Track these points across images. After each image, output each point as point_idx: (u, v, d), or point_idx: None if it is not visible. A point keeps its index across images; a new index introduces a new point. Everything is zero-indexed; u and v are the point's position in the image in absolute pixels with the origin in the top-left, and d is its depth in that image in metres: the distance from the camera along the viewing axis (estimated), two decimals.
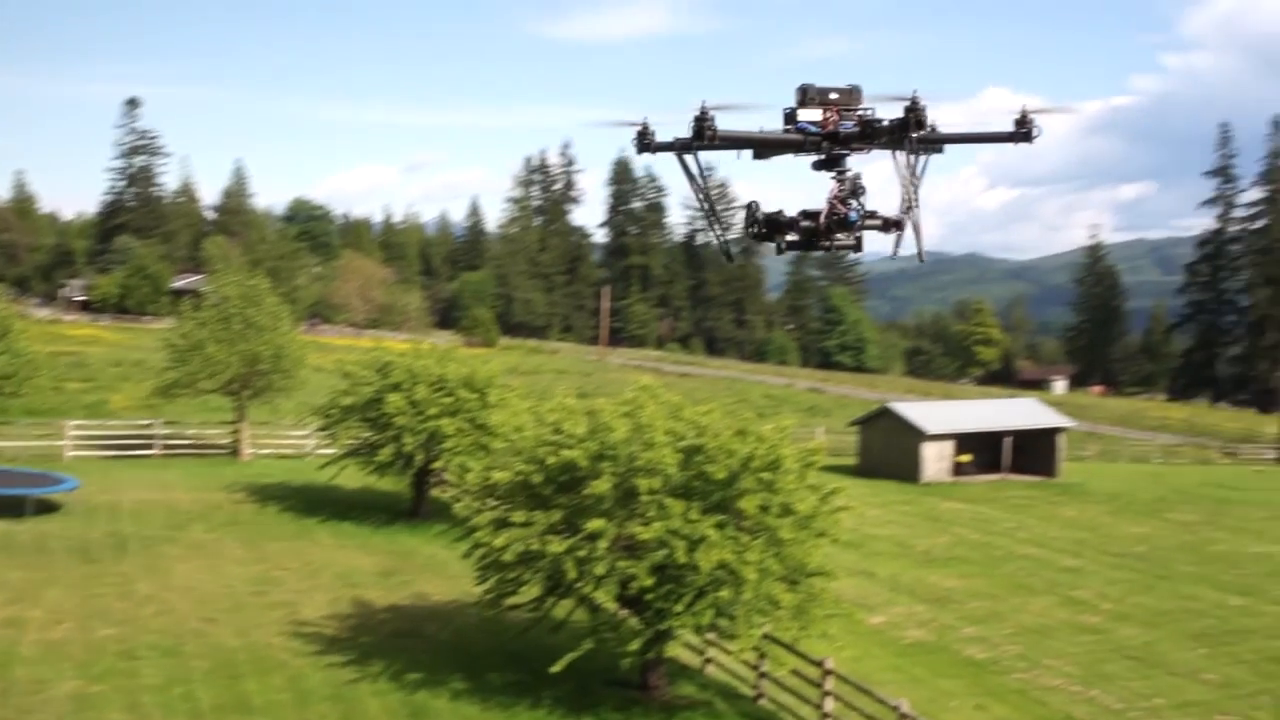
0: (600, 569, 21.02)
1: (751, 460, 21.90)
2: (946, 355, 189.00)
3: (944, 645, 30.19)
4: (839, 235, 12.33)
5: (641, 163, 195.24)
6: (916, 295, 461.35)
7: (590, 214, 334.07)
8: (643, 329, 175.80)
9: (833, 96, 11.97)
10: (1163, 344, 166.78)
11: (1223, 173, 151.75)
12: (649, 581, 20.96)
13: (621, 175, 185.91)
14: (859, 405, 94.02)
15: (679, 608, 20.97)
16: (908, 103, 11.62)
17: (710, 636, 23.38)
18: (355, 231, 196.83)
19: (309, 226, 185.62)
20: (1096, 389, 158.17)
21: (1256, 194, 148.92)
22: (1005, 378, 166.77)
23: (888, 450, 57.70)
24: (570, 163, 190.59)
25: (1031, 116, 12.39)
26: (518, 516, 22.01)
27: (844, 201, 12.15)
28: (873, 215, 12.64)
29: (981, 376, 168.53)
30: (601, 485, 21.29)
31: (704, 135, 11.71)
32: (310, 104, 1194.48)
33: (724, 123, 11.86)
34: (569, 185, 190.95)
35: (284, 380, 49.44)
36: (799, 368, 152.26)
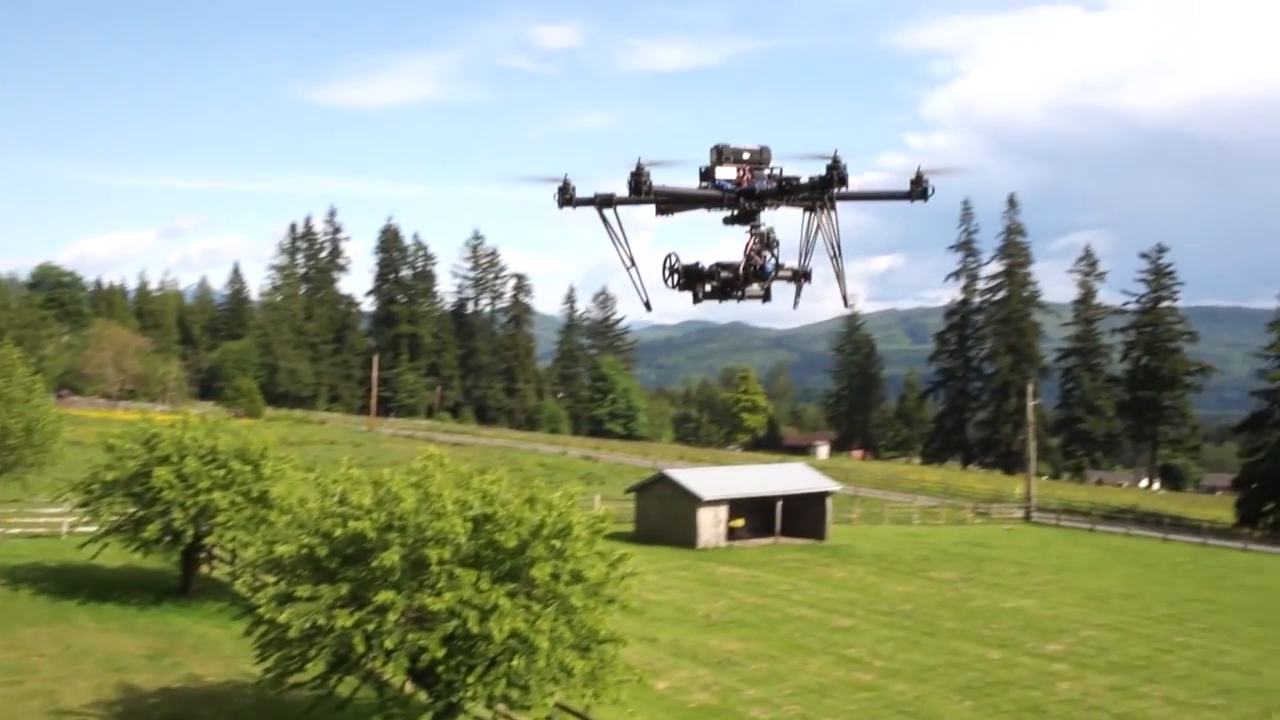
0: (390, 642, 20.53)
1: (542, 528, 21.85)
2: (714, 422, 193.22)
3: (728, 708, 30.59)
4: (753, 285, 12.92)
5: (410, 230, 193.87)
6: (683, 364, 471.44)
7: (358, 282, 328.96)
8: (412, 398, 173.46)
9: (745, 156, 12.41)
10: (917, 409, 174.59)
11: (966, 247, 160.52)
12: (440, 653, 20.59)
13: (390, 243, 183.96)
14: (632, 472, 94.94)
15: (471, 679, 20.66)
16: (829, 161, 11.98)
17: (502, 708, 23.06)
18: (108, 299, 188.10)
19: (56, 293, 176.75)
20: (857, 453, 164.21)
21: (996, 267, 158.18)
22: (771, 443, 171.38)
23: (664, 516, 58.42)
24: (337, 229, 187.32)
25: (926, 176, 12.81)
26: (303, 591, 21.32)
27: (759, 253, 12.59)
28: (782, 266, 13.18)
29: (748, 443, 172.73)
30: (391, 556, 20.85)
31: (640, 190, 11.97)
32: (52, 165, 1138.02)
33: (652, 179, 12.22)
34: (335, 252, 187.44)
35: (36, 455, 46.59)
36: (571, 436, 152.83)
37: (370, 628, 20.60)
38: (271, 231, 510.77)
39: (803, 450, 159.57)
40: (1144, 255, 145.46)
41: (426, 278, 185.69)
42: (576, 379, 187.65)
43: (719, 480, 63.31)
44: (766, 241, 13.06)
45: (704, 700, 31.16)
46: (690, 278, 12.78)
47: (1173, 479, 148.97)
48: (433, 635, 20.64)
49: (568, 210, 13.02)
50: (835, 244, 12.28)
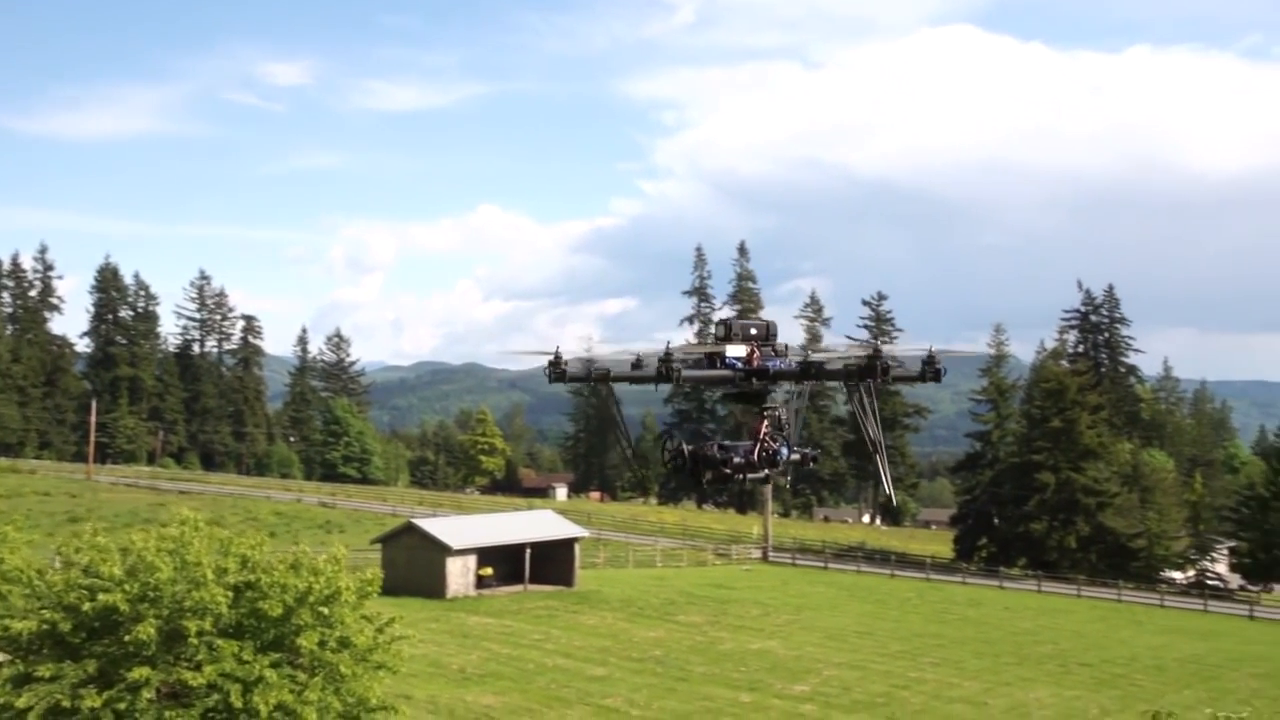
0: None
1: (309, 594, 21.07)
2: (451, 464, 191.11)
3: None
4: (763, 471, 11.81)
5: (131, 268, 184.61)
6: (418, 405, 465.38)
7: (72, 322, 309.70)
8: (132, 444, 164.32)
9: (753, 331, 11.51)
10: (654, 450, 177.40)
11: (699, 292, 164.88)
12: None
13: (108, 281, 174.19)
14: (372, 519, 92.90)
15: None
16: (869, 351, 11.04)
17: None
18: None
19: None
20: (595, 495, 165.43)
21: (728, 312, 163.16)
22: (509, 486, 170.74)
23: (412, 567, 57.18)
24: (49, 267, 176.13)
25: (938, 358, 11.49)
26: (44, 670, 19.82)
27: (773, 439, 11.62)
28: (795, 450, 12.00)
29: (486, 485, 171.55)
30: (146, 629, 19.66)
31: (670, 378, 10.90)
32: None
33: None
34: (47, 291, 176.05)
35: None
36: (305, 481, 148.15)
37: (121, 707, 19.36)
38: None
39: (541, 492, 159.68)
40: (866, 302, 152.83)
41: (148, 318, 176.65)
42: (309, 422, 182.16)
43: (467, 529, 62.61)
44: (779, 424, 12.09)
45: None
46: (702, 464, 11.51)
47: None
48: (191, 712, 19.58)
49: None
50: (874, 436, 11.24)
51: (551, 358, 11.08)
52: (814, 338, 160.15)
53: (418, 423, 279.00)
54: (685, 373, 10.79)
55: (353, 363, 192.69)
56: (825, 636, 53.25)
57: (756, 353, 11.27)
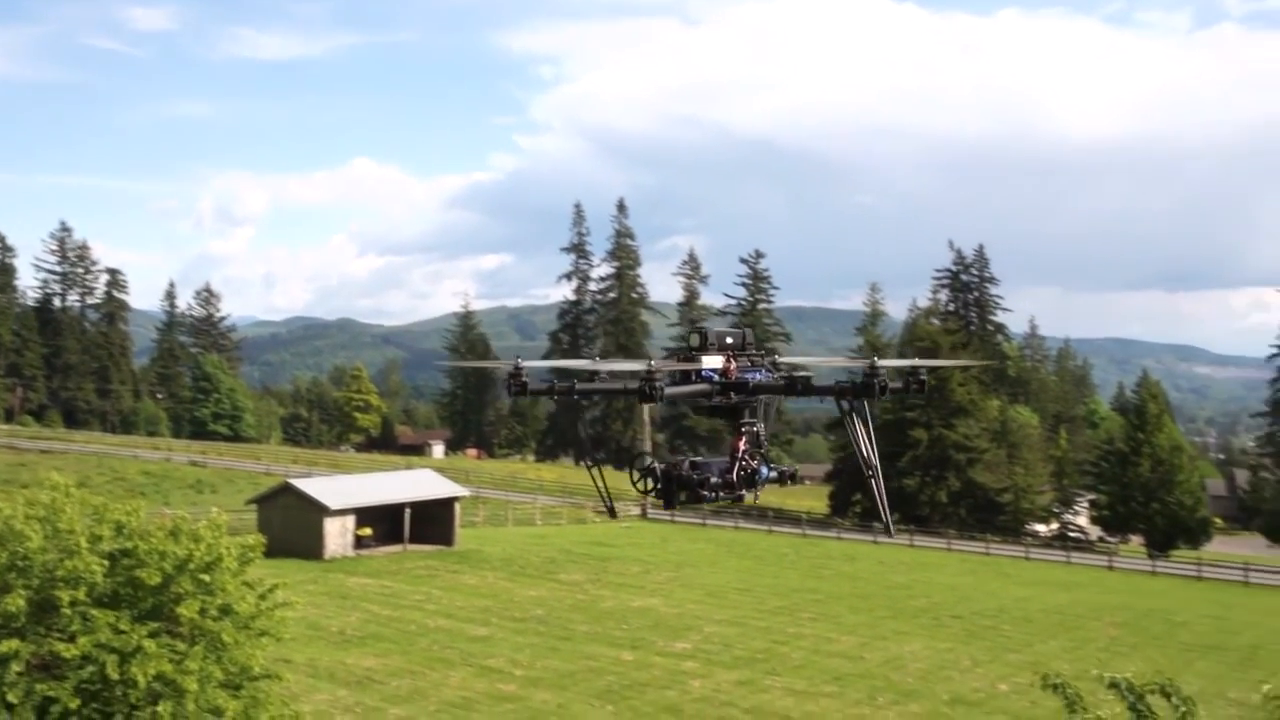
0: (14, 695, 18.59)
1: (189, 561, 20.47)
2: (325, 422, 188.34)
3: None
4: (740, 491, 10.87)
5: None
6: (290, 361, 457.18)
7: None
8: None
9: (729, 340, 10.39)
10: (531, 407, 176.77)
11: (577, 249, 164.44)
12: (74, 704, 18.82)
13: None
14: (245, 478, 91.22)
15: None
16: (866, 369, 9.90)
17: None
18: None
19: None
20: (472, 452, 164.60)
21: (607, 269, 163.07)
22: (385, 444, 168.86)
23: (288, 527, 56.13)
24: None
25: (921, 371, 10.14)
26: None
27: (752, 455, 10.46)
28: (772, 468, 10.76)
29: (362, 443, 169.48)
30: (15, 601, 18.89)
31: (654, 398, 9.95)
32: None
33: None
34: None
35: None
36: (174, 439, 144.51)
37: None
38: None
39: (418, 450, 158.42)
40: (744, 260, 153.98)
41: (5, 271, 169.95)
42: (177, 379, 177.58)
43: (345, 488, 61.77)
44: (757, 441, 11.22)
45: None
46: (676, 485, 10.22)
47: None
48: (65, 685, 18.85)
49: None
50: (868, 459, 10.17)
51: (511, 369, 9.58)
52: (692, 295, 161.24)
53: (290, 379, 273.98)
54: (668, 390, 9.66)
55: (223, 318, 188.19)
56: (705, 593, 53.80)
57: (733, 364, 10.27)
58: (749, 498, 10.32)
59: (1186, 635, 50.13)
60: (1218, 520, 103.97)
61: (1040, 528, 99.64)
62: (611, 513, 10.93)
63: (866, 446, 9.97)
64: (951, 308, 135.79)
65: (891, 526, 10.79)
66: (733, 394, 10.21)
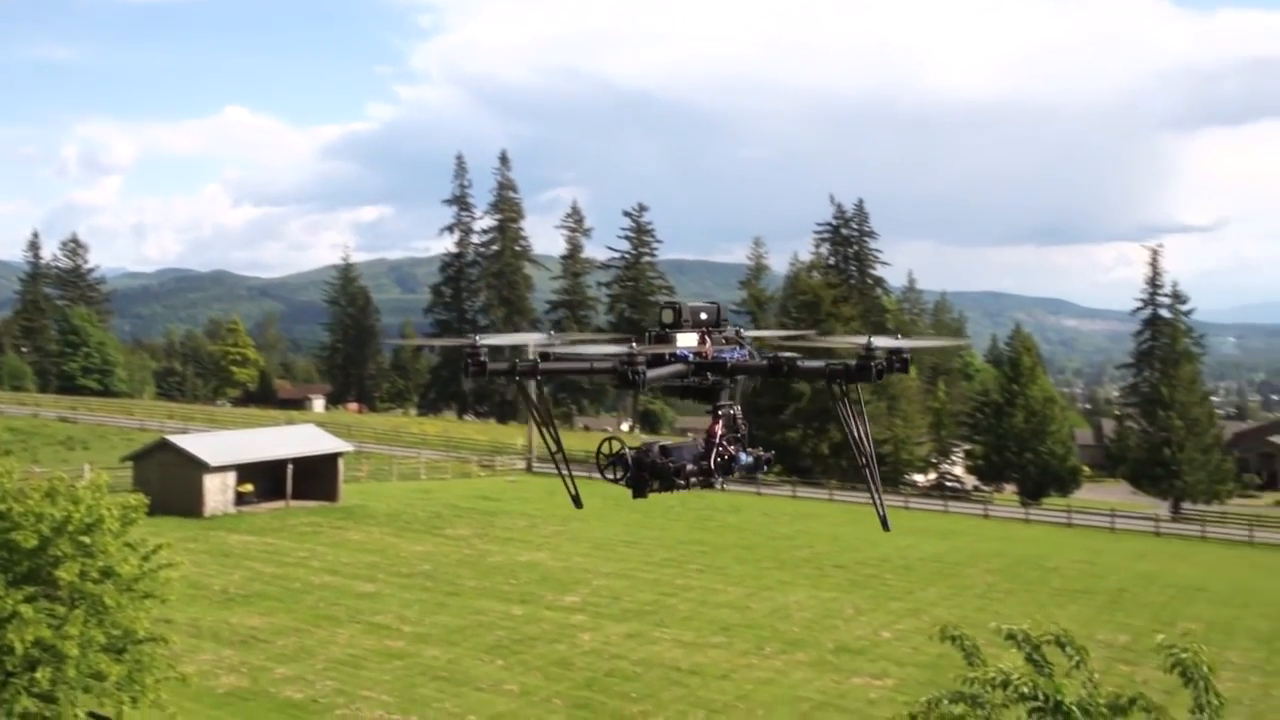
0: None
1: (67, 523, 19.86)
2: (201, 376, 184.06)
3: (260, 690, 29.45)
4: (715, 478, 10.03)
5: None
6: (163, 314, 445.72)
7: None
8: None
9: (703, 316, 9.79)
10: (413, 361, 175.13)
11: (459, 201, 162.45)
12: None
13: None
14: (118, 434, 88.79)
15: None
16: (861, 352, 9.24)
17: None
18: None
19: None
20: (353, 406, 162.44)
21: (489, 221, 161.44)
22: (263, 398, 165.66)
23: (166, 485, 54.70)
24: None
25: (905, 350, 9.53)
26: None
27: (730, 440, 10.00)
28: (750, 454, 10.36)
29: (239, 397, 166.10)
30: None
31: (637, 383, 8.87)
32: None
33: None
34: None
35: None
36: (40, 394, 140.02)
37: None
38: None
39: (297, 404, 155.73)
40: (627, 213, 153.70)
41: None
42: (43, 332, 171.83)
43: (226, 445, 60.34)
44: (734, 425, 9.92)
45: (233, 684, 29.83)
46: (648, 472, 9.53)
47: (650, 422, 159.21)
48: None
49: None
50: (862, 448, 9.49)
51: (469, 347, 8.65)
52: (575, 248, 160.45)
53: (163, 332, 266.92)
54: (650, 373, 8.99)
55: (91, 269, 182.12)
56: (592, 547, 53.95)
57: (708, 342, 9.65)
58: (718, 485, 9.96)
59: (1058, 580, 51.75)
60: (1086, 468, 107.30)
61: (919, 478, 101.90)
62: (576, 502, 10.16)
63: (860, 433, 9.37)
64: (832, 261, 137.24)
65: (888, 521, 10.10)
66: (709, 375, 9.57)
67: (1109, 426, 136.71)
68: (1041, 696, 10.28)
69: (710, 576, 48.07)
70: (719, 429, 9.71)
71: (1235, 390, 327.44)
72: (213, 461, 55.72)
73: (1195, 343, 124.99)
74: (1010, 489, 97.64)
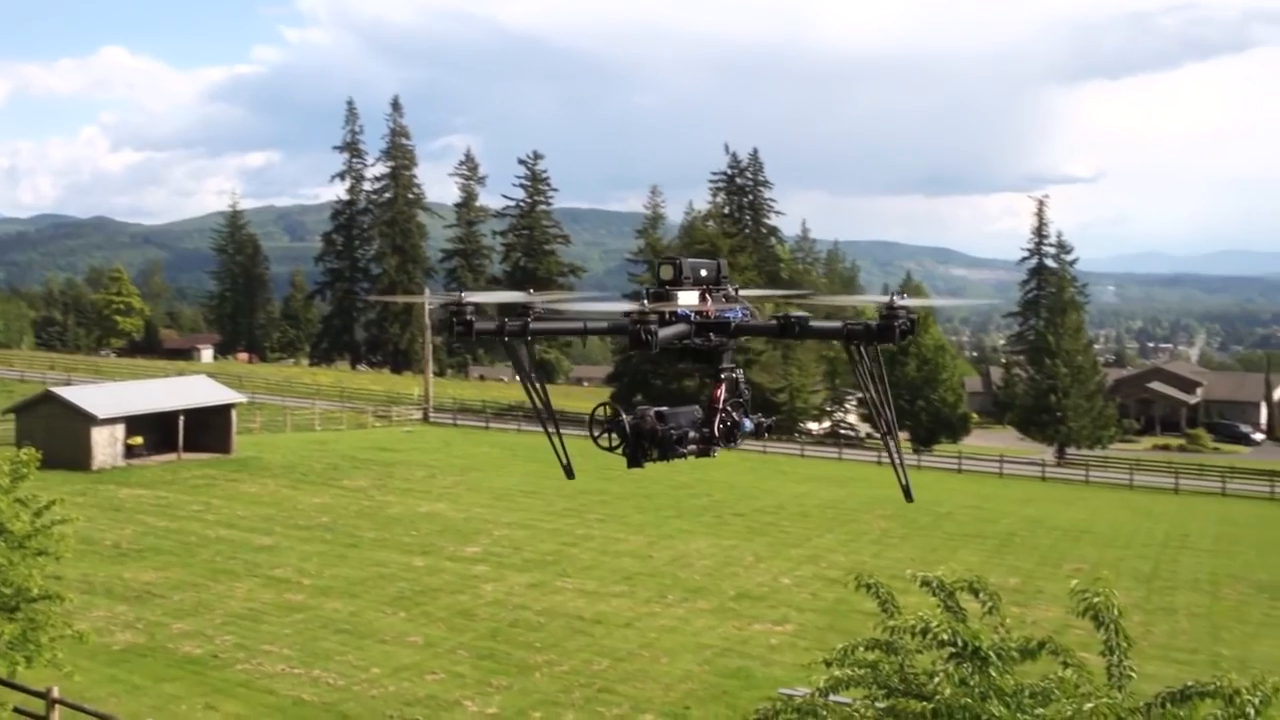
0: None
1: None
2: (83, 326, 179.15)
3: (158, 645, 28.87)
4: (716, 446, 9.47)
5: None
6: (41, 261, 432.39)
7: None
8: None
9: (703, 273, 9.03)
10: (304, 310, 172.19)
11: (351, 148, 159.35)
12: None
13: None
14: None
15: None
16: (883, 309, 8.58)
17: None
18: None
19: None
20: (242, 356, 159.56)
21: (382, 169, 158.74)
22: (149, 348, 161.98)
23: (52, 438, 53.02)
24: None
25: (912, 313, 9.03)
26: None
27: (734, 406, 9.35)
28: (755, 420, 9.77)
29: (124, 348, 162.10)
30: None
31: (649, 344, 8.10)
32: None
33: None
34: None
35: None
36: None
37: None
38: None
39: (185, 354, 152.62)
40: (522, 161, 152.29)
41: None
42: None
43: (114, 396, 58.89)
44: (736, 389, 9.26)
45: (130, 640, 29.19)
46: (640, 437, 8.90)
47: (546, 372, 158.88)
48: None
49: None
50: (882, 412, 8.83)
51: (452, 309, 8.02)
52: (469, 196, 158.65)
53: (42, 280, 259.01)
54: (661, 333, 8.23)
55: None
56: (493, 497, 53.82)
57: (710, 301, 8.96)
58: (715, 454, 9.35)
59: (950, 525, 52.95)
60: (974, 415, 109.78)
61: (813, 426, 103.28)
62: (568, 473, 9.79)
63: (880, 398, 8.80)
64: (728, 211, 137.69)
65: (911, 490, 9.39)
66: (711, 336, 8.92)
67: (997, 374, 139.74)
68: (959, 642, 10.45)
69: (611, 526, 48.25)
70: (721, 393, 9.19)
71: (1114, 338, 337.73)
72: (101, 414, 54.31)
73: (1079, 292, 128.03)
74: (903, 436, 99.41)
